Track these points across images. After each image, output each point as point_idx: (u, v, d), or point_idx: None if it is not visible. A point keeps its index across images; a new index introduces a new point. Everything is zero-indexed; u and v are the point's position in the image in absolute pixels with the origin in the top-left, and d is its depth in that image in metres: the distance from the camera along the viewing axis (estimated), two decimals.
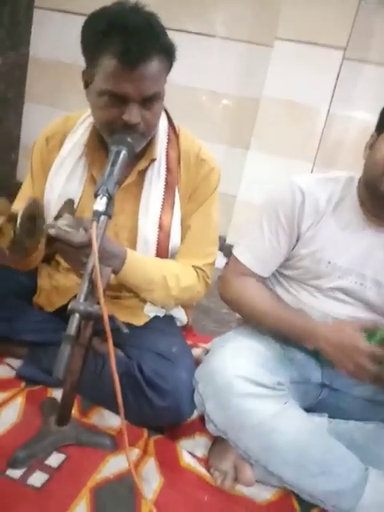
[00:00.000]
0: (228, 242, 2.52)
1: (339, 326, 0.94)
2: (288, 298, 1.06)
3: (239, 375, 0.88)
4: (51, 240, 0.83)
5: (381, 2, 2.36)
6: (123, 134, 0.85)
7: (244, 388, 0.87)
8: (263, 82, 2.42)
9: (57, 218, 0.84)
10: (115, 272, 0.90)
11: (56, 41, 2.58)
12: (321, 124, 2.43)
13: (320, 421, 1.01)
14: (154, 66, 0.82)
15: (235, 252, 1.07)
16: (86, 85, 0.90)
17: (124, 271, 0.92)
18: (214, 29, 2.59)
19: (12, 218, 0.77)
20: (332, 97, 2.41)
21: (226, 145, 2.66)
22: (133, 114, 0.84)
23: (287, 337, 1.00)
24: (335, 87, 2.40)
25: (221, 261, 2.31)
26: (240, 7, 2.53)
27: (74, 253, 0.82)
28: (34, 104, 2.89)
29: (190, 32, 2.60)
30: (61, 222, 0.81)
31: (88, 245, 0.78)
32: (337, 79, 2.38)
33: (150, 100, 0.86)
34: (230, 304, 1.10)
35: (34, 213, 0.81)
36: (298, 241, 1.02)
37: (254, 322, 1.06)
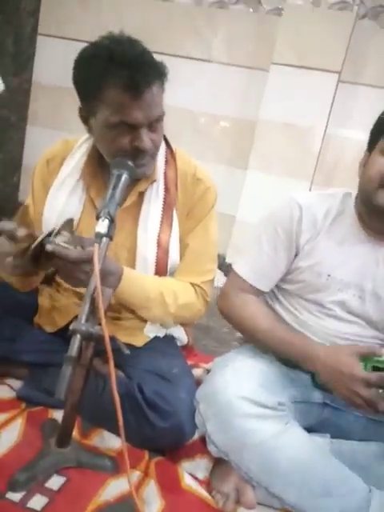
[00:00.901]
0: (227, 260, 2.53)
1: (336, 350, 0.94)
2: (287, 316, 1.07)
3: (240, 396, 0.88)
4: (49, 256, 0.84)
5: (374, 26, 2.44)
6: (126, 157, 0.88)
7: (245, 409, 0.87)
8: (260, 105, 2.49)
9: (55, 235, 0.85)
10: (112, 289, 0.92)
11: (58, 66, 2.65)
12: (318, 144, 2.48)
13: (322, 441, 1.00)
14: (155, 90, 0.87)
15: (235, 267, 1.08)
16: (86, 120, 0.93)
17: (121, 288, 0.93)
18: (212, 54, 2.66)
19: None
20: (328, 118, 2.46)
21: (225, 165, 2.70)
22: (145, 140, 0.88)
23: (286, 357, 1.00)
24: (331, 109, 2.45)
25: (220, 279, 2.34)
26: (238, 33, 2.60)
27: (71, 269, 0.83)
28: (36, 127, 2.96)
29: (190, 57, 2.68)
30: (59, 239, 0.83)
31: (85, 261, 0.81)
32: (332, 101, 2.44)
33: (156, 122, 0.90)
34: (228, 319, 1.09)
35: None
36: (297, 255, 1.03)
37: (253, 342, 1.06)
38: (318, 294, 1.03)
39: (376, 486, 0.90)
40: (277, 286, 1.10)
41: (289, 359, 0.99)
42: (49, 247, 0.81)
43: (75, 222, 1.02)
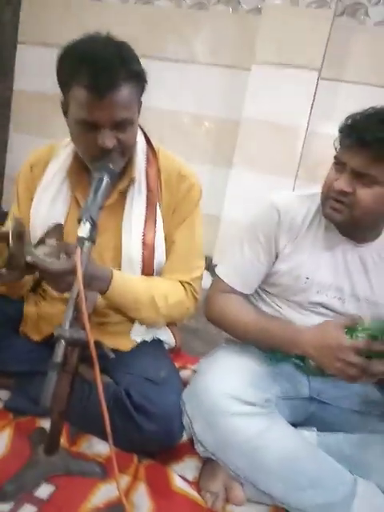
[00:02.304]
0: (214, 261, 2.53)
1: (321, 328, 0.95)
2: (272, 313, 1.08)
3: (225, 394, 0.88)
4: (31, 268, 0.83)
5: (352, 23, 2.46)
6: (103, 159, 0.88)
7: (231, 407, 0.88)
8: (243, 104, 2.49)
9: (40, 242, 0.85)
10: (102, 293, 0.92)
11: (39, 73, 2.64)
12: (300, 142, 2.49)
13: (309, 435, 1.01)
14: (123, 92, 0.85)
15: (217, 271, 1.10)
16: (65, 114, 0.93)
17: (111, 292, 0.93)
18: (194, 55, 2.67)
19: (3, 236, 0.79)
20: (310, 115, 2.48)
21: (209, 165, 2.71)
22: (106, 139, 0.87)
23: (272, 347, 1.01)
24: (312, 106, 2.47)
25: (208, 280, 2.33)
26: (219, 34, 2.61)
27: (54, 281, 0.83)
28: (18, 134, 2.94)
29: (172, 59, 2.68)
30: (39, 250, 0.83)
31: (68, 272, 0.79)
32: (314, 99, 2.46)
33: (123, 124, 0.89)
34: (214, 321, 1.10)
35: (21, 231, 0.82)
36: (277, 258, 1.05)
37: (239, 336, 1.07)
38: (299, 296, 1.04)
39: (361, 474, 0.91)
40: (260, 288, 1.11)
41: (276, 348, 1.00)
42: (29, 259, 0.80)
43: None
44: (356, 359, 0.86)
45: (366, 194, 0.91)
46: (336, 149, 0.97)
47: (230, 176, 2.56)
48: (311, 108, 2.46)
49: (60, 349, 0.68)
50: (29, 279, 1.02)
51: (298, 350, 0.95)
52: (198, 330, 1.69)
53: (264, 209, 1.05)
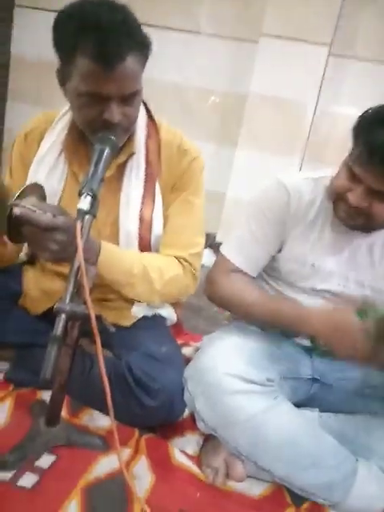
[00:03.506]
0: (218, 239, 2.52)
1: (331, 308, 0.94)
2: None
3: (228, 373, 0.88)
4: (18, 224, 0.76)
5: None
6: (106, 131, 0.84)
7: (233, 385, 0.87)
8: (250, 78, 2.43)
9: (20, 197, 0.78)
10: (91, 265, 0.86)
11: (38, 39, 2.54)
12: (308, 120, 2.44)
13: (311, 415, 1.02)
14: (131, 63, 0.81)
15: (223, 250, 1.07)
16: (62, 83, 0.89)
17: (100, 264, 0.89)
18: (199, 25, 2.58)
19: None
20: (319, 93, 2.42)
21: (214, 141, 2.66)
22: (114, 113, 0.84)
23: (279, 327, 0.99)
24: (321, 83, 2.41)
25: (210, 258, 2.32)
26: (226, 3, 2.53)
27: (42, 238, 0.77)
28: (16, 102, 2.87)
29: (177, 29, 2.59)
30: (26, 201, 0.76)
31: (57, 229, 0.75)
32: (323, 76, 2.40)
33: (130, 97, 0.85)
34: (218, 302, 1.08)
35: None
36: (283, 242, 1.02)
37: (244, 316, 1.05)
38: (303, 282, 1.03)
39: (362, 456, 0.92)
40: (266, 272, 1.09)
41: (284, 328, 0.99)
42: (16, 211, 0.73)
43: (57, 199, 0.99)
44: (365, 341, 0.85)
45: (382, 208, 0.88)
46: (350, 155, 0.90)
47: (235, 154, 2.52)
48: (320, 85, 2.41)
49: (61, 323, 0.67)
50: (15, 249, 0.99)
51: (307, 328, 0.93)
52: (201, 308, 1.69)
53: (272, 188, 1.02)
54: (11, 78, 2.83)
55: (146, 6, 2.55)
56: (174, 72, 2.58)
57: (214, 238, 2.51)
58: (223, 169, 2.54)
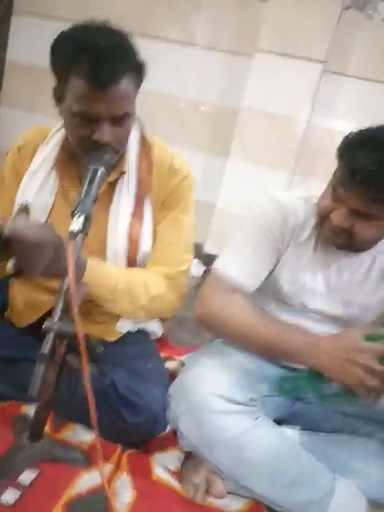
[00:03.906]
0: (206, 249, 2.54)
1: (337, 335, 0.92)
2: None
3: (212, 393, 0.89)
4: (7, 244, 0.78)
5: (359, 17, 2.43)
6: (97, 151, 0.86)
7: (217, 405, 0.89)
8: (243, 92, 2.46)
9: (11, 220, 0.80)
10: (77, 280, 0.86)
11: (33, 45, 2.56)
12: (300, 134, 2.48)
13: (291, 434, 1.02)
14: (123, 86, 0.84)
15: (219, 266, 1.02)
16: (58, 102, 0.91)
17: (85, 278, 0.89)
18: (195, 37, 2.61)
19: None
20: (312, 108, 2.46)
21: (205, 152, 2.68)
22: (104, 134, 0.86)
23: (281, 354, 0.95)
24: (314, 99, 2.45)
25: (198, 269, 2.35)
26: (222, 16, 2.55)
27: (31, 254, 0.78)
28: (10, 108, 2.87)
29: (172, 40, 2.61)
30: (15, 221, 0.78)
31: (45, 243, 0.76)
32: (316, 91, 2.44)
33: (121, 119, 0.87)
34: (212, 322, 1.01)
35: None
36: (278, 260, 1.03)
37: (243, 340, 0.98)
38: (294, 301, 1.03)
39: (343, 475, 0.93)
40: (256, 291, 1.07)
41: (286, 356, 0.95)
42: (6, 231, 0.75)
43: (46, 214, 1.00)
44: (377, 365, 0.81)
45: (365, 228, 0.90)
46: (333, 175, 0.92)
47: (226, 166, 2.54)
48: (313, 100, 2.45)
49: (49, 341, 0.68)
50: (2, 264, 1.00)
51: (313, 358, 0.89)
52: (186, 320, 1.70)
53: (270, 206, 1.01)
54: (5, 84, 2.83)
55: (142, 15, 2.58)
56: (167, 82, 2.59)
57: (203, 248, 2.52)
58: (213, 179, 2.56)
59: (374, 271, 1.02)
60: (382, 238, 0.97)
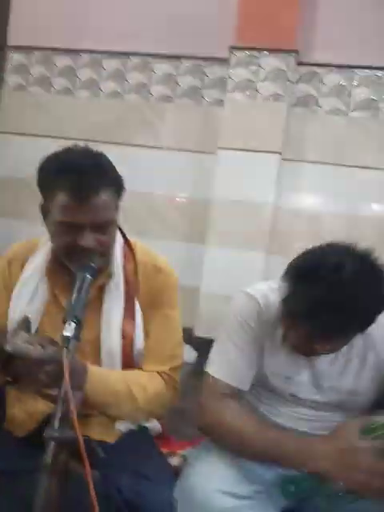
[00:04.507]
0: (196, 333, 2.56)
1: (334, 435, 0.88)
2: (264, 408, 1.05)
3: (217, 489, 0.87)
4: (7, 361, 0.81)
5: (305, 112, 2.75)
6: (85, 258, 0.92)
7: (223, 503, 0.86)
8: (213, 185, 2.68)
9: (12, 335, 0.84)
10: (79, 388, 0.88)
11: (15, 160, 2.81)
12: (269, 218, 2.67)
13: None
14: (103, 198, 0.93)
15: (210, 371, 1.02)
16: (44, 217, 1.00)
17: (88, 386, 0.91)
18: (162, 142, 2.91)
19: None
20: (275, 193, 2.69)
21: (184, 241, 2.86)
22: (87, 240, 0.93)
23: (279, 460, 0.91)
24: (277, 184, 2.68)
25: (190, 355, 2.35)
26: (184, 123, 2.88)
27: (33, 371, 0.81)
28: None
29: (143, 146, 2.90)
30: (17, 337, 0.82)
31: (48, 361, 0.80)
32: (277, 178, 2.68)
33: (103, 226, 0.95)
34: (210, 435, 1.01)
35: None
36: (262, 351, 1.02)
37: (237, 447, 0.95)
38: (285, 393, 1.02)
39: None
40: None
41: (284, 462, 0.90)
42: (8, 348, 0.78)
43: (38, 321, 1.03)
44: (379, 464, 0.79)
45: (325, 345, 0.90)
46: (283, 312, 0.93)
47: (205, 252, 2.69)
48: (276, 186, 2.68)
49: (50, 450, 0.69)
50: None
51: (311, 465, 0.86)
52: (185, 411, 1.66)
53: (242, 301, 1.03)
54: None
55: (115, 128, 2.87)
56: (144, 182, 2.82)
57: (192, 332, 2.55)
58: (195, 265, 2.69)
59: (354, 357, 1.00)
60: (349, 341, 0.94)
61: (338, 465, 0.83)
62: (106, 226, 0.96)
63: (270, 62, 2.63)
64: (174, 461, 1.19)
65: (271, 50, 2.62)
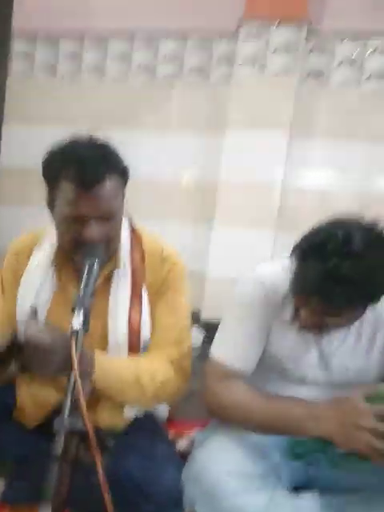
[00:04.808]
0: (203, 316, 2.57)
1: (338, 399, 0.91)
2: (271, 390, 1.04)
3: (225, 470, 0.89)
4: (19, 349, 0.85)
5: (316, 85, 2.66)
6: (92, 248, 0.92)
7: (231, 484, 0.88)
8: (221, 164, 2.63)
9: (25, 325, 0.87)
10: (88, 376, 0.91)
11: (23, 149, 2.79)
12: (277, 196, 2.62)
13: (310, 497, 0.98)
14: (108, 186, 0.92)
15: (215, 354, 1.04)
16: (50, 207, 0.99)
17: (96, 375, 0.92)
18: (170, 122, 2.84)
19: None
20: (284, 171, 2.62)
21: (191, 224, 2.82)
22: (94, 231, 0.93)
23: (286, 429, 0.93)
24: (286, 162, 2.62)
25: (198, 337, 2.36)
26: (192, 101, 2.80)
27: (44, 357, 0.84)
28: (4, 206, 3.04)
29: (150, 127, 2.84)
30: (30, 326, 0.85)
31: (59, 346, 0.82)
32: (286, 155, 2.61)
33: (108, 216, 0.95)
34: (217, 416, 1.03)
35: None
36: (268, 334, 1.03)
37: (248, 426, 0.98)
38: (294, 374, 1.03)
39: None
40: (257, 367, 1.07)
41: (292, 430, 0.93)
42: (23, 335, 0.82)
43: (45, 309, 1.05)
44: (381, 426, 0.80)
45: (336, 320, 0.91)
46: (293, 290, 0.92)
47: (212, 234, 2.67)
48: (285, 164, 2.62)
49: (60, 440, 0.70)
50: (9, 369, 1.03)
51: (315, 428, 0.88)
52: (193, 393, 1.68)
53: (248, 284, 1.03)
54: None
55: (121, 112, 2.80)
56: (150, 164, 2.79)
57: (199, 315, 2.55)
58: (202, 247, 2.67)
59: (363, 336, 1.01)
60: (361, 315, 0.95)
61: (341, 425, 0.85)
62: (111, 217, 0.96)
63: (281, 32, 2.53)
64: (182, 444, 1.22)
65: (283, 20, 2.51)
